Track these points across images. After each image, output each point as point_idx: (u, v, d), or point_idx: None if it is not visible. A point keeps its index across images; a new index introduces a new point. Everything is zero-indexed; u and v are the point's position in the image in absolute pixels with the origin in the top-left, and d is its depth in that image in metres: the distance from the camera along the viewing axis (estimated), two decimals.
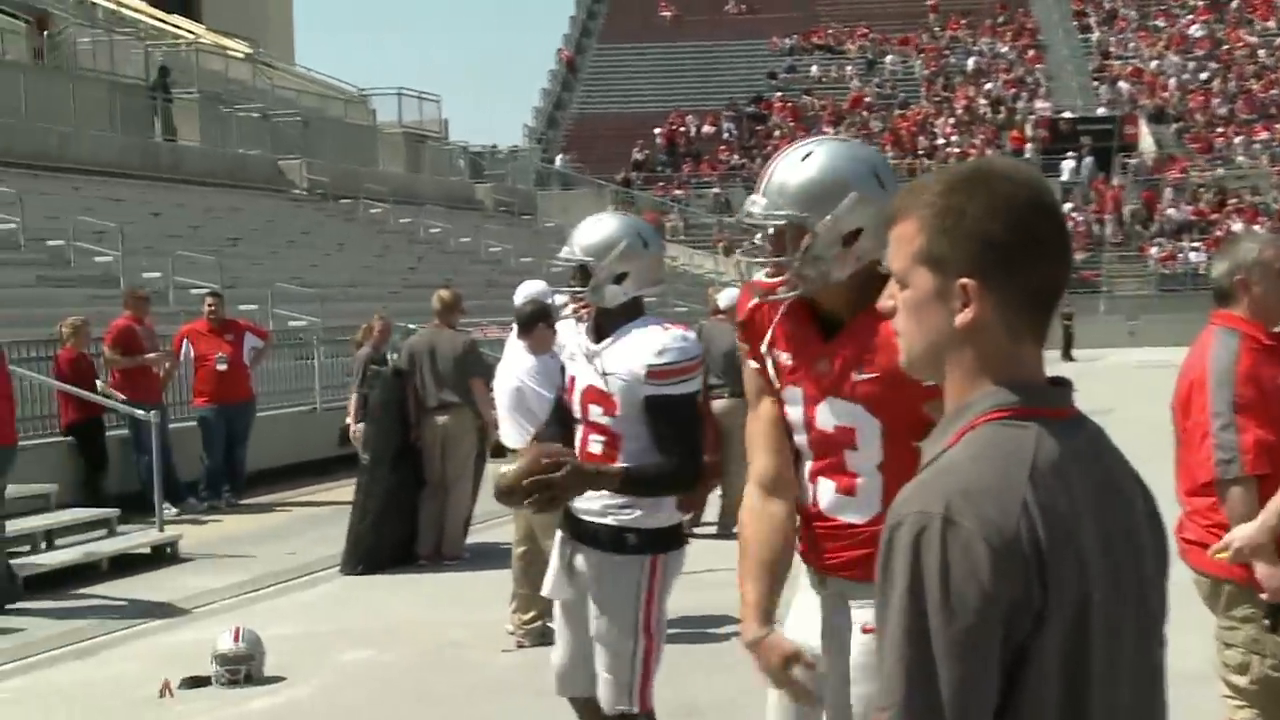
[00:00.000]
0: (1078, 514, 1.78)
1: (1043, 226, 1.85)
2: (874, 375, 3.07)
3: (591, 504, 4.41)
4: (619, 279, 4.48)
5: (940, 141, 46.24)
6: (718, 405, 10.66)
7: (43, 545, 10.60)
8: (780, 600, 3.19)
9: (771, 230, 3.15)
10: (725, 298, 11.32)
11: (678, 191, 44.76)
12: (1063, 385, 1.90)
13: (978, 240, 1.83)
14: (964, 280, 1.84)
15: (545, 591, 4.69)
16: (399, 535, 10.62)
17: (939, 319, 1.87)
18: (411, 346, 10.81)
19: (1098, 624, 1.77)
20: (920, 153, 45.60)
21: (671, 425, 4.33)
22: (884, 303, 1.95)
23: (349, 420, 11.51)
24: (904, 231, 1.91)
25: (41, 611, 9.27)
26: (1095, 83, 49.72)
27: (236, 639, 7.50)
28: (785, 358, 3.21)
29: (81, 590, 9.88)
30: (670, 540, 4.50)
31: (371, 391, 10.68)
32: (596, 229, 4.55)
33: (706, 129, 48.86)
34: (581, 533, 4.49)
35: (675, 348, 4.37)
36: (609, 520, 4.44)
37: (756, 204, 3.17)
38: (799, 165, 3.15)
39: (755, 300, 3.26)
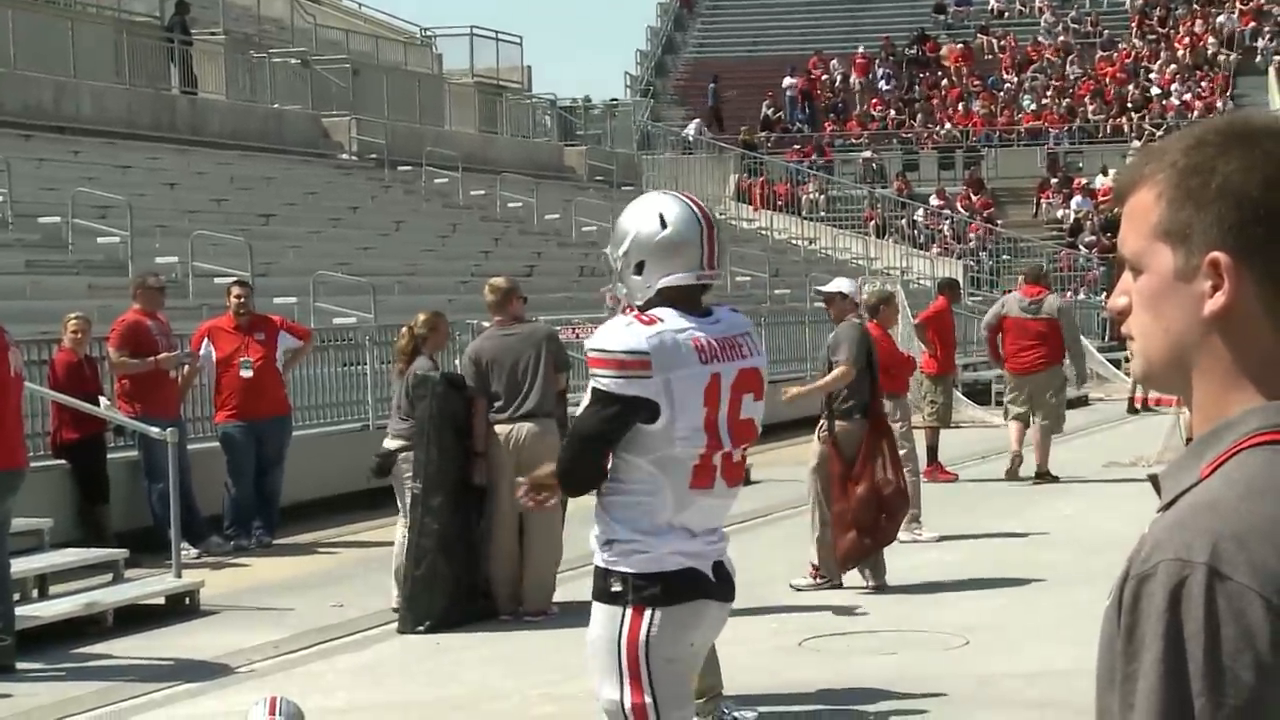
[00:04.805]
0: None
1: None
2: None
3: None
4: (638, 269, 4.90)
5: (1155, 92, 45.66)
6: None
7: (34, 593, 10.80)
8: None
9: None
10: (842, 285, 12.03)
11: (817, 156, 44.66)
12: None
13: (1231, 203, 1.81)
14: (1214, 254, 1.81)
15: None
16: (468, 583, 10.69)
17: (1182, 308, 1.84)
18: (478, 351, 10.86)
19: None
20: (1129, 106, 45.07)
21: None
22: (1115, 301, 1.91)
23: (388, 444, 11.15)
24: (1139, 203, 1.88)
25: (32, 674, 9.43)
26: None
27: (272, 712, 7.55)
28: None
29: (81, 649, 10.05)
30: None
31: (420, 404, 10.71)
32: (624, 213, 5.03)
33: (855, 77, 48.69)
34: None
35: (609, 336, 4.82)
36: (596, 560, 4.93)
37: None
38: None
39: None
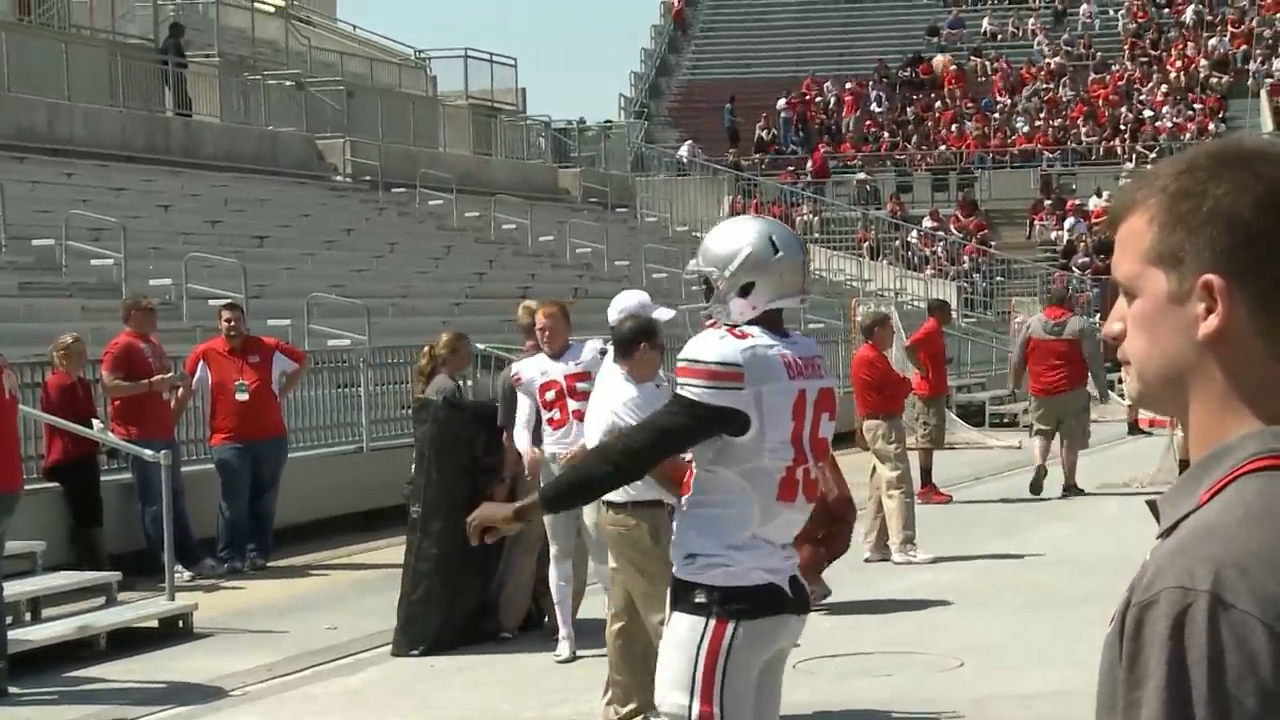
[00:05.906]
0: None
1: None
2: None
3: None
4: (744, 291, 4.96)
5: (1147, 114, 45.77)
6: None
7: (27, 617, 10.77)
8: None
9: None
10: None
11: (810, 165, 44.66)
12: None
13: (1222, 226, 1.81)
14: (1207, 277, 1.81)
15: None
16: (470, 605, 10.66)
17: (1176, 331, 1.84)
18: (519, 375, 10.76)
19: None
20: (1122, 128, 45.14)
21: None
22: (1110, 326, 1.92)
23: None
24: (1131, 228, 1.89)
25: (24, 698, 9.41)
26: None
27: None
28: None
29: (73, 672, 10.02)
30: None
31: (420, 428, 10.67)
32: (721, 234, 5.11)
33: (848, 99, 48.72)
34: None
35: (703, 347, 4.89)
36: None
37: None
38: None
39: None
